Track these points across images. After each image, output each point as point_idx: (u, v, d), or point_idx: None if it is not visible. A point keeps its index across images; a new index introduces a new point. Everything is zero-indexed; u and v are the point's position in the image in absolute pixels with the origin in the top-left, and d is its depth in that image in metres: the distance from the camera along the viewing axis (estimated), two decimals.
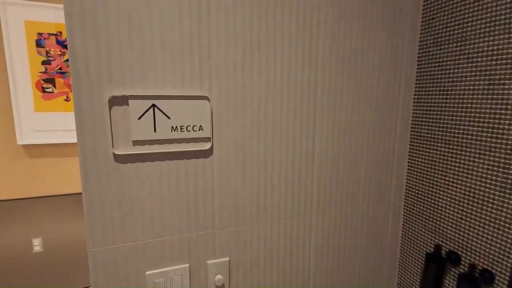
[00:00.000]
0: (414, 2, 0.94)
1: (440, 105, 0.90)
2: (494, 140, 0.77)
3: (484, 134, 0.79)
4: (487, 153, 0.78)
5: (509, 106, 0.74)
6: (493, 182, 0.77)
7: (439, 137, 0.87)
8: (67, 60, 1.97)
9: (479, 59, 0.79)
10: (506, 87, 0.74)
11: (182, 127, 0.70)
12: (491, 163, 0.78)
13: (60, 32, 1.93)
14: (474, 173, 0.81)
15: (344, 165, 0.89)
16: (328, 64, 0.82)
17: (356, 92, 0.87)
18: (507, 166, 0.74)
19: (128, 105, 0.65)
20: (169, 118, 0.68)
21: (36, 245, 2.06)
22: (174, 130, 0.69)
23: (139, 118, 0.66)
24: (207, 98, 0.70)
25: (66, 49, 1.95)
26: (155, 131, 0.68)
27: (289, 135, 0.81)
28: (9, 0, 1.72)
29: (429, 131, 0.90)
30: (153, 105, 0.66)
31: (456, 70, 0.85)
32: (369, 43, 0.86)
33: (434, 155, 0.92)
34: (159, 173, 0.70)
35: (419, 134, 0.96)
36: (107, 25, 0.61)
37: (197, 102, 0.70)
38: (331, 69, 0.82)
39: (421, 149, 0.92)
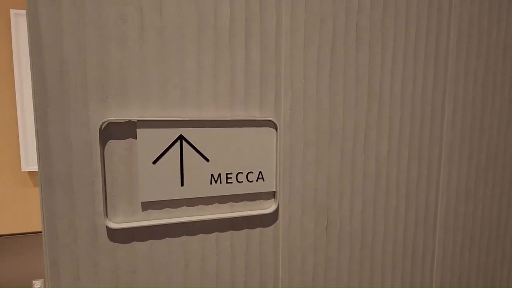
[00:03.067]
0: None
1: None
2: None
3: None
4: None
5: None
6: None
7: None
8: None
9: None
10: None
11: (229, 176, 0.51)
12: None
13: None
14: None
15: (482, 231, 0.70)
16: (464, 65, 0.61)
17: (505, 108, 0.65)
18: None
19: (135, 138, 0.47)
20: (207, 160, 0.50)
21: None
22: (216, 181, 0.51)
23: (154, 162, 0.47)
24: (273, 123, 0.53)
25: None
26: (182, 184, 0.49)
27: (400, 184, 0.60)
28: (22, 11, 1.70)
29: None
30: (181, 137, 0.48)
31: None
32: None
33: None
34: (187, 256, 0.51)
35: None
36: None
37: (256, 131, 0.52)
38: (467, 73, 0.62)
39: None
